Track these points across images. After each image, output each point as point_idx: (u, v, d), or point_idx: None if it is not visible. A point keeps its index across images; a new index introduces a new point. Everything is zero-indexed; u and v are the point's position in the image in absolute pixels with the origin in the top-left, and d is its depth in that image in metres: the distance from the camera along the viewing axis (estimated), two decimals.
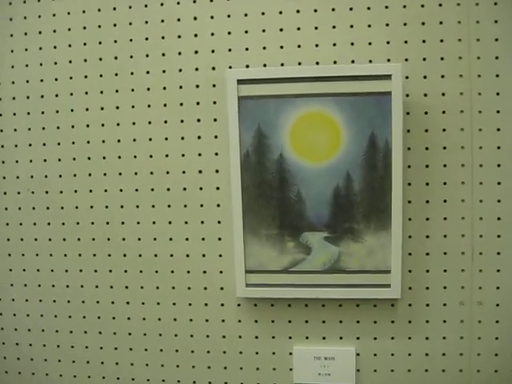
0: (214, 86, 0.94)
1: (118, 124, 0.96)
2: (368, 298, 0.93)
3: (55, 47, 0.97)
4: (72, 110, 0.97)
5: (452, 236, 0.93)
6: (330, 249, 0.91)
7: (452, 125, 0.91)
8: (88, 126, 0.97)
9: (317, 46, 0.91)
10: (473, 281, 0.93)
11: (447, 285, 0.94)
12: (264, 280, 0.93)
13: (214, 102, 0.94)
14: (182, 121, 0.95)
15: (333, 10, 0.90)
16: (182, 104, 0.95)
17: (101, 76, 0.96)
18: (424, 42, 0.90)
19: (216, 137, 0.94)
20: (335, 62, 0.91)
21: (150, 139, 0.96)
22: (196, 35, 0.93)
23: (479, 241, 0.92)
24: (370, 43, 0.90)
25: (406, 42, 0.90)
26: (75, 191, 0.99)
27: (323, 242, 0.91)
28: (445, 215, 0.92)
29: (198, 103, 0.94)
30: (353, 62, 0.91)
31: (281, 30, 0.92)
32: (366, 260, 0.91)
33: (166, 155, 0.96)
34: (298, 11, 0.91)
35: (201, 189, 0.96)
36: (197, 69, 0.94)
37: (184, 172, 0.96)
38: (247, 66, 0.92)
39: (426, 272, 0.94)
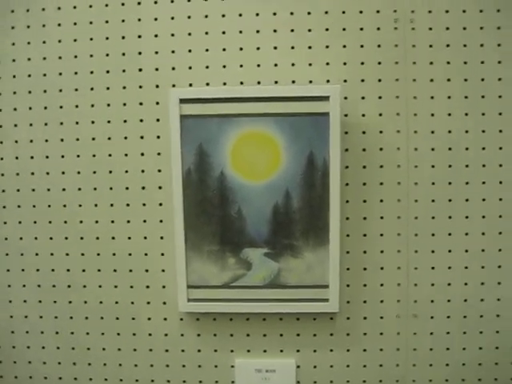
0: (157, 103, 0.95)
1: (61, 139, 0.96)
2: (307, 312, 0.96)
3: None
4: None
5: (388, 251, 0.96)
6: (269, 264, 0.93)
7: (389, 144, 0.94)
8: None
9: (258, 66, 0.93)
10: (408, 294, 0.97)
11: (384, 298, 0.97)
12: (206, 295, 0.95)
13: (158, 120, 0.95)
14: (125, 137, 0.96)
15: (274, 31, 0.93)
16: (125, 121, 0.95)
17: (45, 92, 0.96)
18: (362, 64, 0.93)
19: (159, 154, 0.96)
20: (276, 82, 0.93)
21: (94, 155, 0.96)
22: (140, 53, 0.94)
23: (414, 256, 0.96)
24: (310, 64, 0.93)
25: (344, 63, 0.93)
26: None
27: (263, 257, 0.93)
28: (381, 231, 0.96)
29: (141, 120, 0.95)
30: (293, 82, 0.93)
31: (224, 49, 0.93)
32: (305, 275, 0.93)
33: (110, 171, 0.96)
34: (240, 32, 0.93)
35: (144, 205, 0.97)
36: (141, 86, 0.95)
37: (127, 188, 0.97)
38: (190, 85, 0.94)
39: (363, 286, 0.97)
